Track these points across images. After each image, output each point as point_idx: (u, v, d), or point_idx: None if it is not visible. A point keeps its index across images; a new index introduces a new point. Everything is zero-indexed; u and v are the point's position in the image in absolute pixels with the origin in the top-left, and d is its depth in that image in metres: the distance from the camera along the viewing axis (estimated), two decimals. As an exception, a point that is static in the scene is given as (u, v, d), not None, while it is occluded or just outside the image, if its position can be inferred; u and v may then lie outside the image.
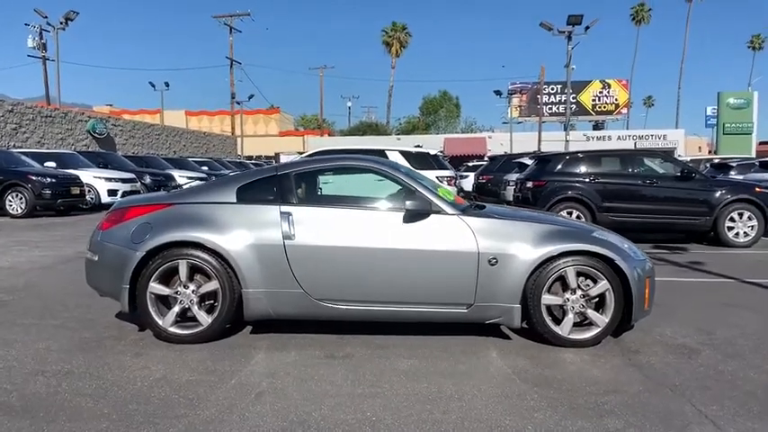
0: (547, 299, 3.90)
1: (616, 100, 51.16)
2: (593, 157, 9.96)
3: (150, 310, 3.91)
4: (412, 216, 3.91)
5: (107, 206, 14.93)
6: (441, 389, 3.21)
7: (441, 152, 10.63)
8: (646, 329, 4.33)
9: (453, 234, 3.90)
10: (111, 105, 54.72)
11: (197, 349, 3.83)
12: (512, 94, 49.14)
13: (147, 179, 17.21)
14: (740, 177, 12.43)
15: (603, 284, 3.89)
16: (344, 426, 2.75)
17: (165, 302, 4.00)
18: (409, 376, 3.41)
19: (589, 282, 3.95)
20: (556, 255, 3.86)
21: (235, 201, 4.03)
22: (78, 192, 13.58)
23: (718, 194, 9.20)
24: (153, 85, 43.62)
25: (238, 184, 4.10)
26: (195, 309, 3.93)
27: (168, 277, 3.96)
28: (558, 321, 3.96)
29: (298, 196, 4.08)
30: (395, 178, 4.13)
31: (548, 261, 3.87)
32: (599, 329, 3.93)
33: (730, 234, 9.15)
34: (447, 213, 3.96)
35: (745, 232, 9.15)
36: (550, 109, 50.02)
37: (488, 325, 4.08)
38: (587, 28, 22.61)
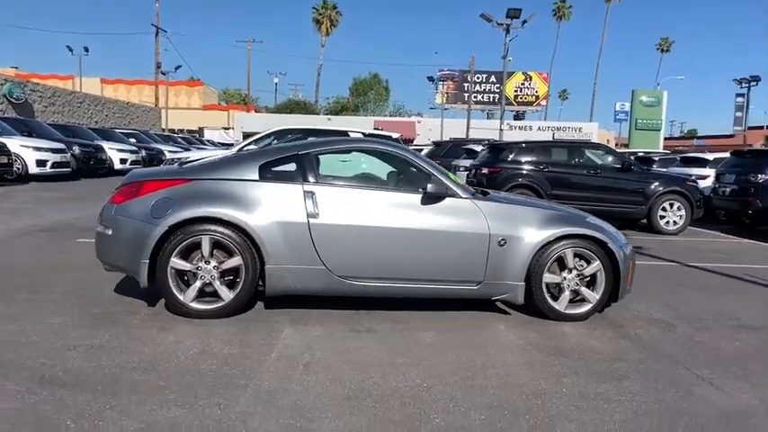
0: (547, 277, 4.27)
1: (537, 92, 53.47)
2: (544, 147, 10.64)
3: (171, 285, 3.91)
4: (430, 198, 4.14)
5: (35, 177, 14.02)
6: (471, 358, 3.48)
7: (401, 136, 10.85)
8: (623, 306, 4.81)
9: (467, 216, 4.17)
10: (16, 68, 50.35)
11: (221, 324, 3.88)
12: (441, 81, 50.11)
13: (77, 150, 16.21)
14: (664, 170, 13.56)
15: (596, 265, 4.31)
16: (401, 392, 2.96)
17: (181, 277, 4.00)
18: (436, 348, 3.66)
19: (583, 262, 4.35)
20: (557, 238, 4.23)
21: (257, 178, 4.08)
22: (6, 161, 12.64)
23: (653, 186, 10.10)
24: (71, 49, 40.69)
25: (260, 162, 4.15)
26: (217, 284, 3.96)
27: (188, 253, 3.96)
28: (554, 298, 4.34)
29: (319, 176, 4.19)
30: (413, 162, 4.33)
31: (549, 243, 4.23)
32: (591, 305, 4.36)
33: (662, 222, 10.08)
34: (461, 197, 4.22)
35: (674, 221, 10.11)
36: (475, 97, 51.49)
37: (486, 301, 4.40)
38: (524, 22, 23.61)
